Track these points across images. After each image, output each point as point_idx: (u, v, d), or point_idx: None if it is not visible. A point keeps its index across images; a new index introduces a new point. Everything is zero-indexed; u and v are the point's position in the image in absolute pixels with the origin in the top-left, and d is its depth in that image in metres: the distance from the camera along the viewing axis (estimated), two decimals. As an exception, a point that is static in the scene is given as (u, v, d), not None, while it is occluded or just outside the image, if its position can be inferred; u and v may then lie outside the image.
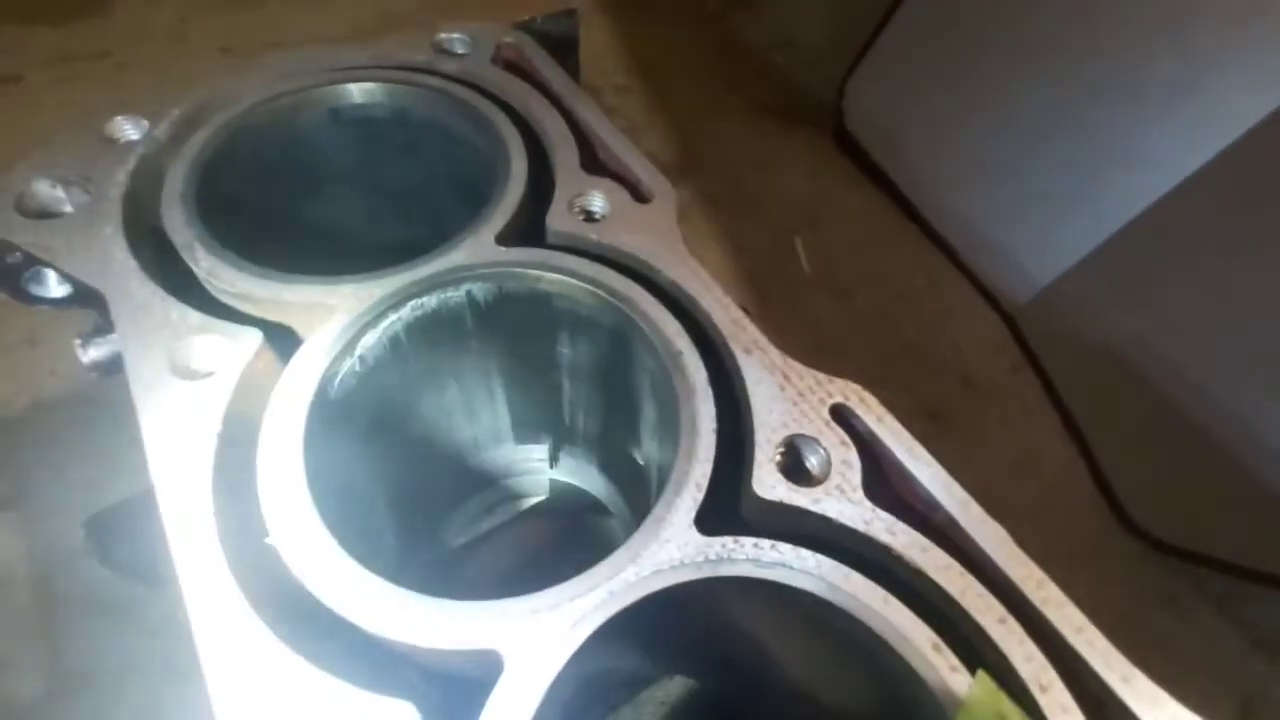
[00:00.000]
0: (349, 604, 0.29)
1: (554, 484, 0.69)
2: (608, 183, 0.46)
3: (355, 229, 0.57)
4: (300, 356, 0.36)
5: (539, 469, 0.67)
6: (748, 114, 1.47)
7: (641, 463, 0.52)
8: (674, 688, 0.39)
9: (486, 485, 0.65)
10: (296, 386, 0.35)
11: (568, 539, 0.73)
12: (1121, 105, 0.97)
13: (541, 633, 0.29)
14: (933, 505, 0.34)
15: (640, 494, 0.56)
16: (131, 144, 0.45)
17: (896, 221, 1.31)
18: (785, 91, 1.47)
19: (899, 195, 1.30)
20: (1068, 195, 1.07)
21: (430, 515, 0.58)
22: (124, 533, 0.47)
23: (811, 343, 1.13)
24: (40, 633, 0.79)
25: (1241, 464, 0.89)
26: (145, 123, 0.46)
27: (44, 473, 0.88)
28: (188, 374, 0.35)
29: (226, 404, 0.34)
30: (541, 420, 0.57)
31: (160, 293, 0.38)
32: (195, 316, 0.37)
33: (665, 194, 0.46)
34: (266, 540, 0.30)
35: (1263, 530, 0.89)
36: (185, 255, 0.40)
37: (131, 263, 0.39)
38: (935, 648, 0.30)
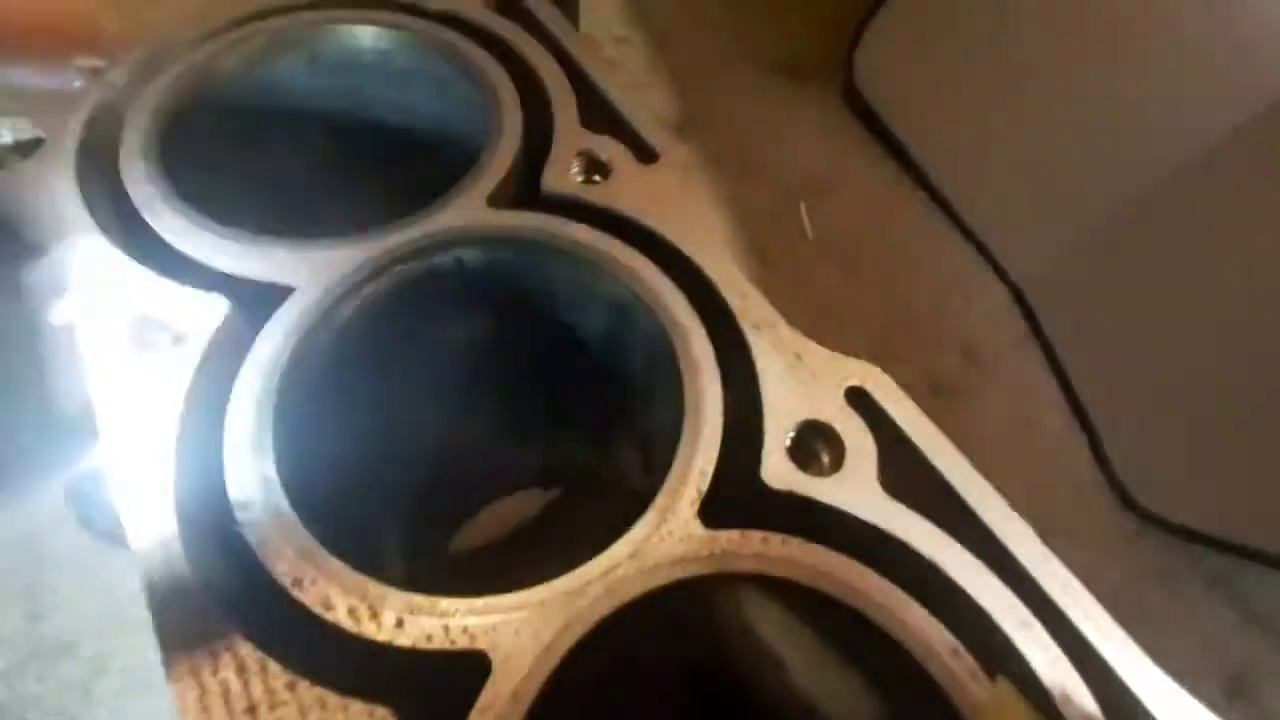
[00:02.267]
0: (319, 598, 0.27)
1: (549, 464, 0.67)
2: (610, 141, 0.43)
3: (335, 186, 0.54)
4: (272, 326, 0.33)
5: (535, 447, 0.64)
6: (754, 72, 1.41)
7: (643, 444, 0.49)
8: (679, 693, 0.38)
9: (479, 463, 0.63)
10: (268, 359, 0.32)
11: (565, 522, 0.71)
12: (1143, 72, 0.93)
13: (532, 632, 0.27)
14: (953, 498, 0.32)
15: (641, 476, 0.54)
16: (86, 90, 0.41)
17: (904, 188, 1.27)
18: (794, 49, 1.41)
19: (908, 160, 1.26)
20: (1083, 165, 1.03)
21: (419, 495, 0.56)
22: (102, 497, 0.45)
23: (815, 311, 1.10)
24: (21, 599, 0.77)
25: (1239, 442, 0.88)
26: (101, 66, 0.42)
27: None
28: (147, 345, 0.32)
29: (190, 378, 0.31)
30: (536, 397, 0.55)
31: (119, 254, 0.35)
32: (157, 282, 0.34)
33: (673, 154, 0.43)
34: (234, 527, 0.28)
35: (1260, 508, 0.88)
36: (145, 213, 0.36)
37: (87, 219, 0.36)
38: (954, 653, 0.28)
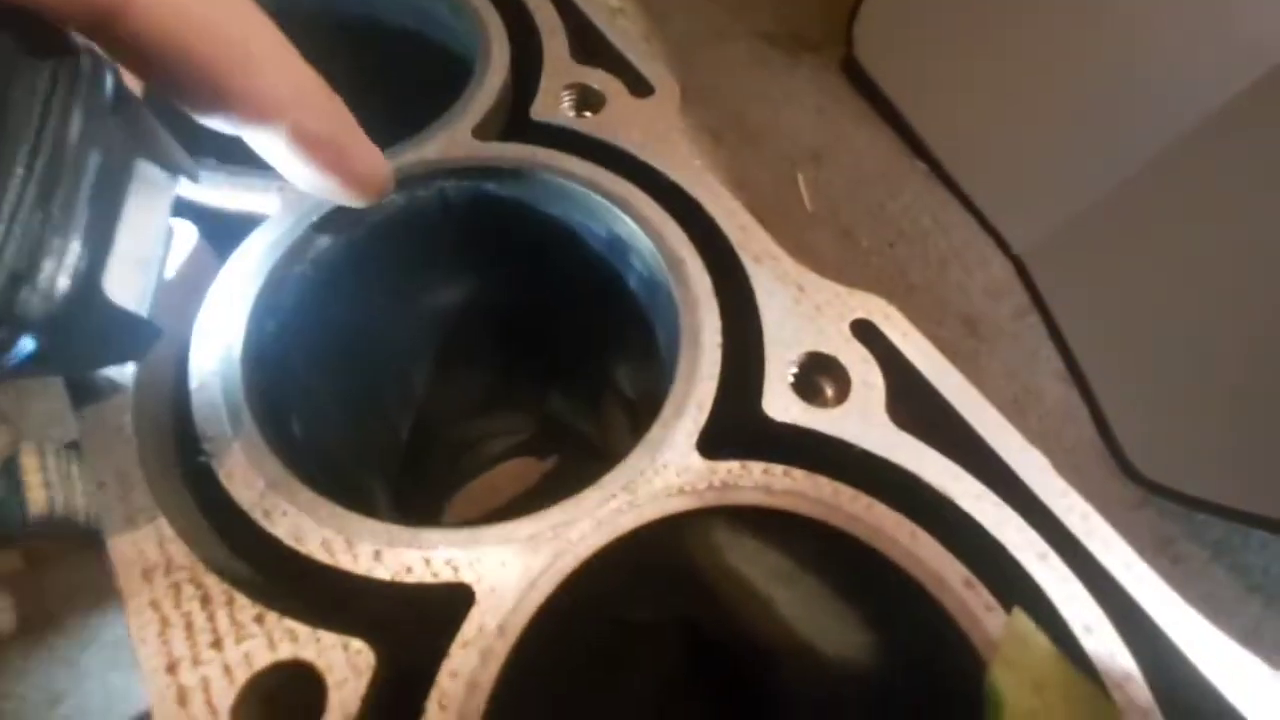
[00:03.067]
0: (291, 530, 0.25)
1: (542, 428, 0.65)
2: (601, 74, 0.41)
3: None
4: (242, 253, 0.31)
5: (527, 401, 0.63)
6: (751, 42, 1.38)
7: (633, 406, 0.48)
8: (671, 633, 0.37)
9: (467, 424, 0.61)
10: (239, 285, 0.30)
11: (558, 478, 0.69)
12: (1143, 39, 0.91)
13: (519, 565, 0.25)
14: (965, 429, 0.30)
15: (628, 439, 0.52)
16: None
17: (904, 159, 1.25)
18: (792, 20, 1.39)
19: (907, 131, 1.24)
20: (1084, 134, 1.02)
21: (404, 457, 0.54)
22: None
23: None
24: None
25: (1240, 409, 0.87)
26: None
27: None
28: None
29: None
30: (528, 345, 0.53)
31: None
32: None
33: (667, 87, 0.41)
34: (199, 459, 0.26)
35: (1261, 475, 0.87)
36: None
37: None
38: (968, 584, 0.26)
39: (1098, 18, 0.95)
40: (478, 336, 0.51)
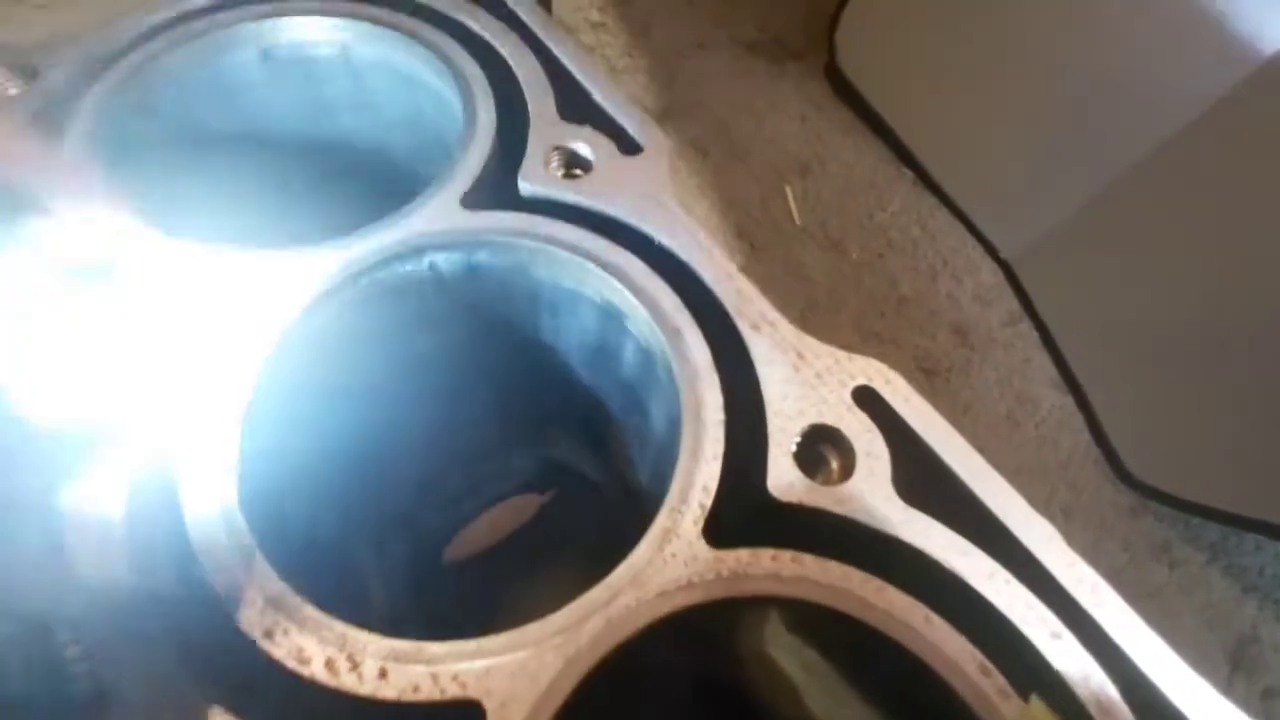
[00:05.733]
0: (292, 646, 0.24)
1: (540, 462, 0.64)
2: (590, 132, 0.40)
3: (296, 193, 0.51)
4: (233, 349, 0.30)
5: (524, 451, 0.62)
6: (735, 54, 1.38)
7: (642, 445, 0.47)
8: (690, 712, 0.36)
9: (465, 468, 0.60)
10: (224, 395, 0.29)
11: (559, 527, 0.69)
12: (1126, 43, 0.92)
13: (529, 676, 0.24)
14: (970, 501, 0.30)
15: (632, 473, 0.52)
16: (16, 99, 0.37)
17: (891, 168, 1.25)
18: (775, 26, 1.38)
19: (894, 139, 1.24)
20: (1070, 138, 1.02)
21: (407, 511, 0.53)
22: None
23: (804, 297, 1.08)
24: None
25: (1236, 413, 0.87)
26: (35, 70, 0.39)
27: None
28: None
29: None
30: (524, 399, 0.52)
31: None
32: (103, 303, 0.31)
33: (657, 145, 0.40)
34: (195, 573, 0.25)
35: (1257, 478, 0.88)
36: (89, 229, 0.33)
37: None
38: (983, 670, 0.26)
39: (1081, 21, 0.95)
40: (473, 391, 0.50)
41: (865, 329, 1.10)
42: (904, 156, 1.24)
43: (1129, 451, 0.97)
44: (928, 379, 1.06)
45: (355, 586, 0.43)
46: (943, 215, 1.20)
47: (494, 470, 0.64)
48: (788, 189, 1.21)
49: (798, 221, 1.18)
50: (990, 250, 1.15)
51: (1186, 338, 0.93)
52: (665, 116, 1.28)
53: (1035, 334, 1.10)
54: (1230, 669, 0.90)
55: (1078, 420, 1.03)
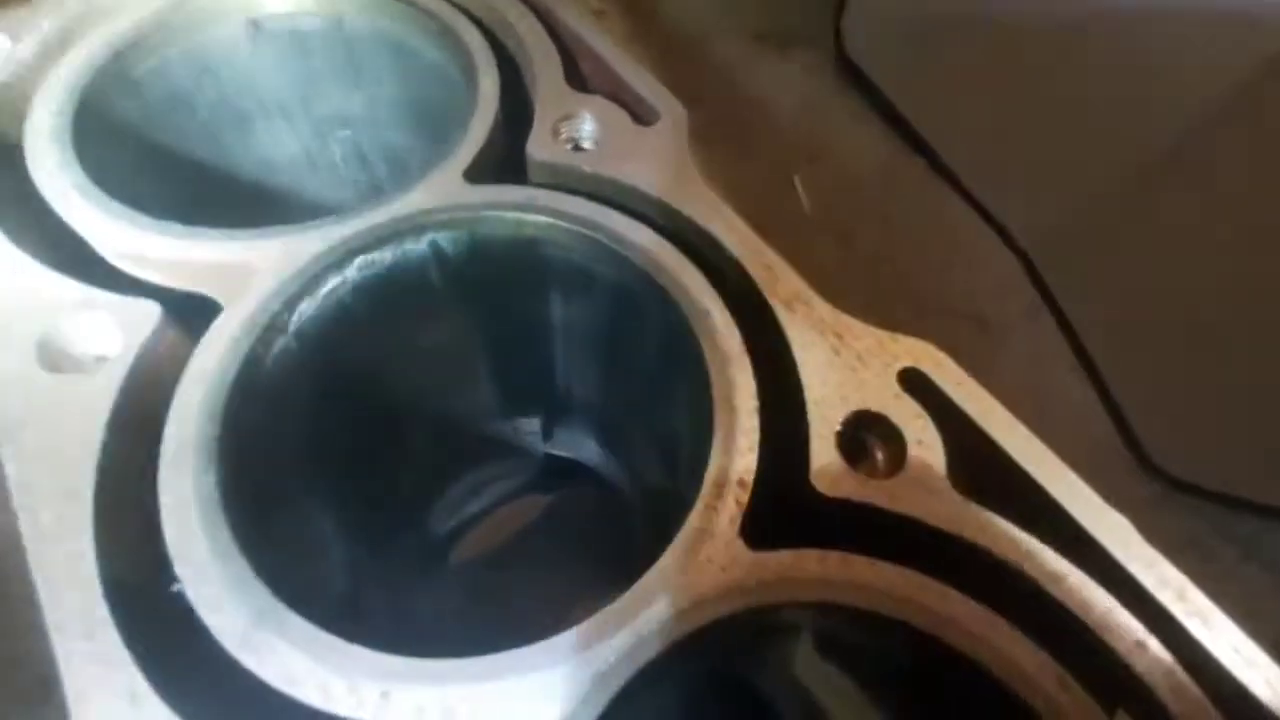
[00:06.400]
0: (280, 667, 0.21)
1: (548, 459, 0.62)
2: (600, 101, 0.37)
3: (291, 174, 0.48)
4: (213, 335, 0.27)
5: (531, 443, 0.59)
6: (741, 40, 1.35)
7: (663, 443, 0.44)
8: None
9: (470, 465, 0.57)
10: (209, 375, 0.27)
11: (565, 526, 0.66)
12: (1143, 29, 0.89)
13: (555, 694, 0.21)
14: (1035, 492, 0.27)
15: (651, 468, 0.49)
16: None
17: (902, 155, 1.22)
18: (781, 13, 1.35)
19: (905, 127, 1.21)
20: (1085, 123, 0.99)
21: (403, 506, 0.51)
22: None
23: (816, 289, 1.06)
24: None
25: (1264, 401, 0.84)
26: (5, 41, 0.36)
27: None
28: (62, 364, 0.26)
29: (112, 403, 0.25)
30: (531, 390, 0.49)
31: (24, 258, 0.29)
32: (75, 289, 0.28)
33: (674, 113, 0.37)
34: (173, 588, 0.22)
35: (1287, 468, 0.85)
36: (58, 207, 0.30)
37: (-15, 218, 0.30)
38: (1061, 684, 0.23)
39: (1095, 9, 0.93)
40: (480, 385, 0.47)
41: (878, 320, 1.07)
42: (915, 144, 1.21)
43: (1154, 443, 0.94)
44: (944, 371, 1.04)
45: (353, 589, 0.40)
46: (956, 204, 1.17)
47: (501, 470, 0.61)
48: (796, 179, 1.18)
49: (807, 212, 1.15)
50: (1007, 239, 1.12)
51: (1211, 324, 0.90)
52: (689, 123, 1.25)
53: (1054, 324, 1.07)
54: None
55: (1101, 412, 0.99)
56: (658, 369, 0.36)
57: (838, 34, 1.27)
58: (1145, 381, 0.98)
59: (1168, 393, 0.96)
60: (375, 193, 0.47)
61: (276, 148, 0.48)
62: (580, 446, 0.58)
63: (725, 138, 1.23)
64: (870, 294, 1.10)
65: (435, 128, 0.43)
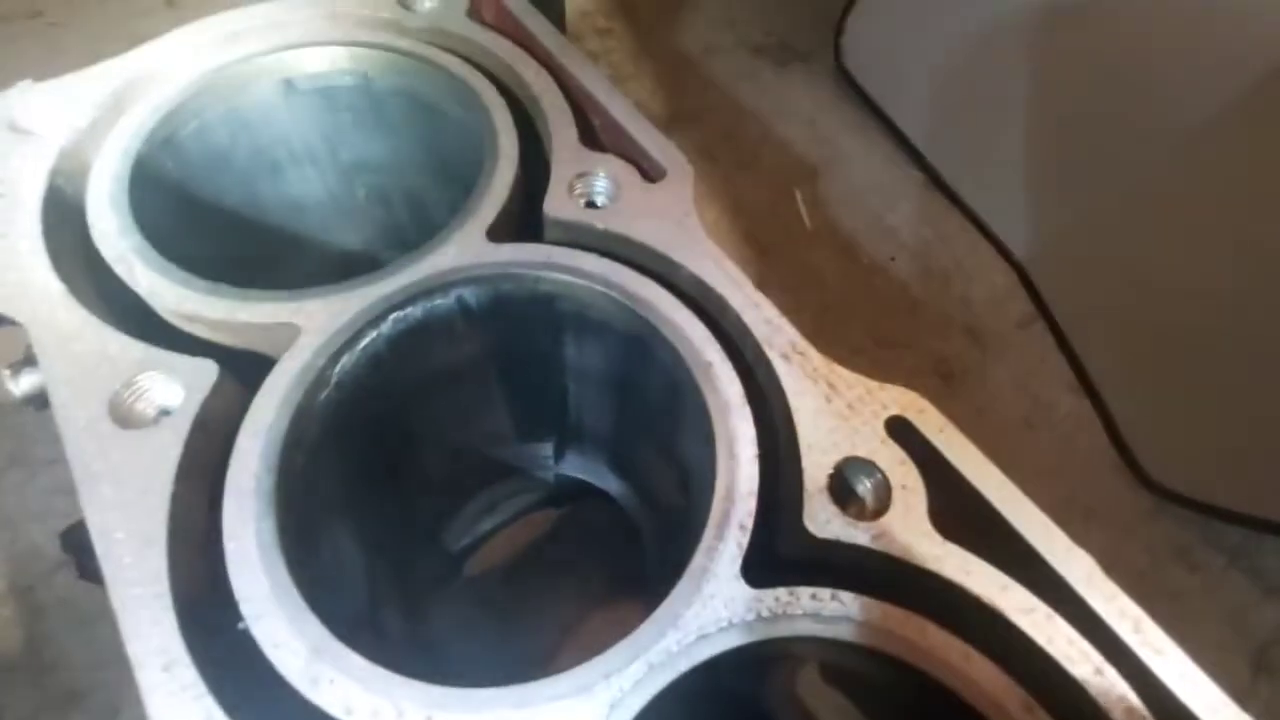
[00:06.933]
0: (339, 696, 0.24)
1: (560, 479, 0.64)
2: (613, 160, 0.40)
3: (324, 225, 0.51)
4: (266, 390, 0.31)
5: (543, 465, 0.62)
6: (742, 57, 1.37)
7: (663, 461, 0.47)
8: None
9: (485, 485, 0.61)
10: (264, 427, 0.30)
11: (575, 534, 0.69)
12: (1140, 40, 0.90)
13: (576, 721, 0.24)
14: (1008, 533, 0.30)
15: (657, 490, 0.52)
16: (45, 136, 0.37)
17: (900, 169, 1.24)
18: (781, 28, 1.38)
19: (903, 141, 1.23)
20: (1083, 137, 1.01)
21: (420, 527, 0.54)
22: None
23: (817, 301, 1.08)
24: (24, 650, 0.75)
25: (1255, 414, 0.87)
26: (63, 105, 0.39)
27: (17, 475, 0.83)
28: (131, 420, 0.29)
29: (179, 454, 0.28)
30: (545, 421, 0.52)
31: (93, 320, 0.32)
32: (137, 348, 0.31)
33: (680, 170, 0.40)
34: (240, 626, 0.25)
35: (1277, 480, 0.87)
36: (120, 271, 0.33)
37: (55, 284, 0.33)
38: (1027, 709, 0.26)
39: (1095, 15, 0.94)
40: (496, 414, 0.50)
41: (879, 333, 1.09)
42: (914, 157, 1.23)
43: (1147, 454, 0.97)
44: (943, 383, 1.06)
45: (371, 607, 0.43)
46: (954, 217, 1.19)
47: (514, 488, 0.64)
48: (797, 193, 1.21)
49: (808, 225, 1.18)
50: (1003, 251, 1.14)
51: (1204, 338, 0.92)
52: (673, 122, 1.28)
53: (1050, 336, 1.09)
54: (1253, 673, 0.89)
55: (1094, 423, 1.02)
56: (666, 409, 0.39)
57: (837, 48, 1.30)
58: (1138, 394, 1.00)
59: (1160, 405, 0.98)
60: (396, 230, 0.50)
61: (306, 192, 0.51)
62: (591, 469, 0.61)
63: (727, 152, 1.26)
64: (871, 305, 1.12)
65: (452, 174, 0.46)
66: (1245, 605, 0.92)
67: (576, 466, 0.62)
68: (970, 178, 1.17)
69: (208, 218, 0.45)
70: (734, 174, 1.22)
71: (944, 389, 1.06)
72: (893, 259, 1.16)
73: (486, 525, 0.66)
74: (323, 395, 0.32)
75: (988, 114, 1.13)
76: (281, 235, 0.51)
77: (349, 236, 0.55)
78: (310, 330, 0.32)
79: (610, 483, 0.62)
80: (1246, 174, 0.85)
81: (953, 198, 1.19)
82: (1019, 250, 1.13)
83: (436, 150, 0.48)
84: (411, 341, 0.36)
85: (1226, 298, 0.89)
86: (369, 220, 0.55)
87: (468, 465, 0.56)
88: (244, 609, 0.26)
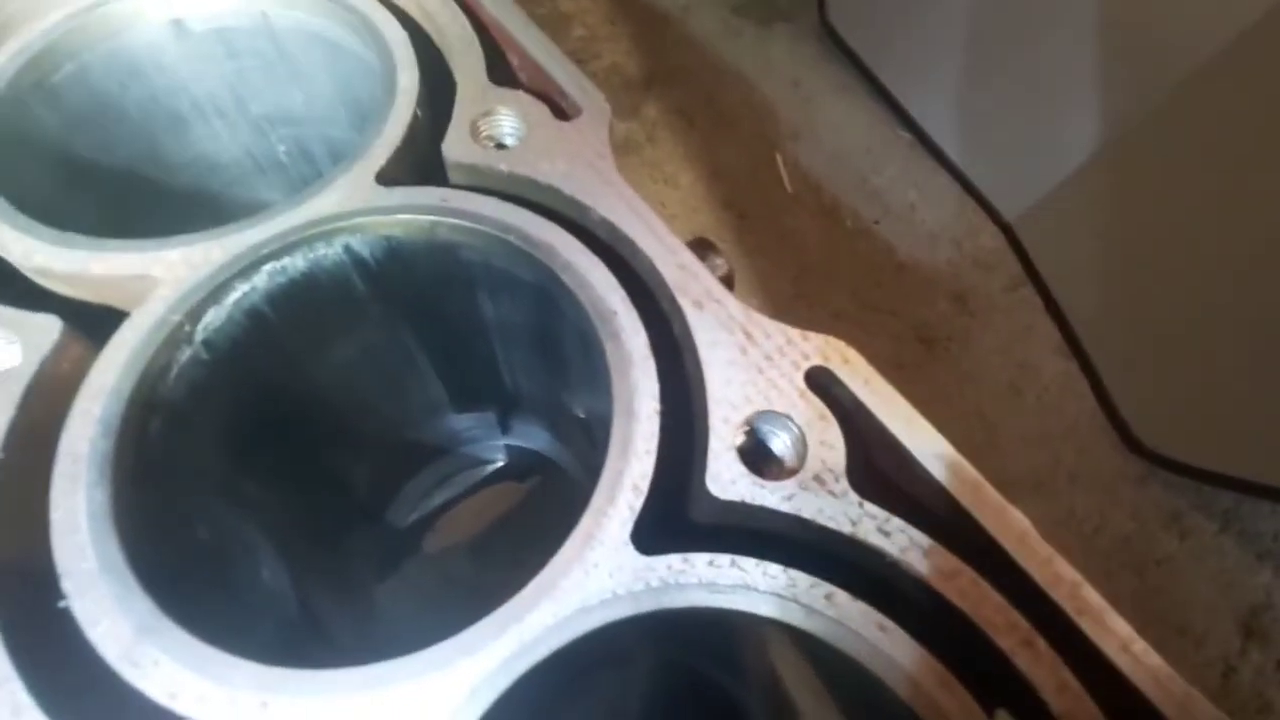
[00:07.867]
0: (161, 680, 0.22)
1: (511, 450, 0.62)
2: (522, 97, 0.37)
3: (243, 184, 0.47)
4: (110, 348, 0.28)
5: (492, 436, 0.60)
6: (722, 16, 1.32)
7: (592, 422, 0.44)
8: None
9: (432, 459, 0.58)
10: (105, 389, 0.27)
11: (541, 506, 0.67)
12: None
13: (429, 706, 0.22)
14: (936, 491, 0.27)
15: (591, 454, 0.49)
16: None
17: (887, 130, 1.20)
18: (762, -13, 1.32)
19: (889, 99, 1.19)
20: (1070, 94, 0.97)
21: (357, 506, 0.51)
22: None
23: (797, 266, 1.04)
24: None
25: (1246, 376, 0.83)
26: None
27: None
28: (-41, 381, 0.26)
29: (9, 418, 0.26)
30: (480, 385, 0.49)
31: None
32: (-20, 303, 0.28)
33: (597, 108, 0.37)
34: (60, 604, 0.23)
35: (1270, 443, 0.84)
36: (-40, 221, 0.30)
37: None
38: (944, 685, 0.23)
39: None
40: (424, 383, 0.47)
41: (861, 298, 1.06)
42: (900, 118, 1.18)
43: (1136, 418, 0.94)
44: (927, 349, 1.03)
45: (301, 592, 0.41)
46: (941, 178, 1.15)
47: (463, 462, 0.61)
48: (778, 155, 1.16)
49: (789, 189, 1.13)
50: (991, 213, 1.10)
51: (1195, 300, 0.89)
52: (650, 83, 1.23)
53: (1038, 299, 1.05)
54: (1243, 638, 0.87)
55: (1082, 387, 0.99)
56: (583, 364, 0.36)
57: (822, 5, 1.25)
58: (1128, 356, 0.97)
59: (1149, 368, 0.95)
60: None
61: (218, 148, 0.47)
62: (536, 437, 0.58)
63: (706, 114, 1.21)
64: (853, 269, 1.09)
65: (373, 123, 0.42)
66: (1236, 570, 0.89)
67: (524, 436, 0.60)
68: (958, 137, 1.13)
69: (100, 175, 0.41)
70: (713, 136, 1.18)
71: (929, 354, 1.03)
72: (877, 222, 1.12)
73: (438, 500, 0.64)
74: (184, 355, 0.29)
75: (976, 72, 1.08)
76: (193, 197, 0.47)
77: (273, 196, 0.51)
78: (167, 282, 0.29)
79: (555, 451, 0.60)
80: (1237, 126, 0.81)
81: (940, 159, 1.15)
82: (1007, 211, 1.09)
83: (352, 96, 0.45)
84: (300, 298, 0.33)
85: (1218, 257, 0.86)
86: (293, 178, 0.51)
87: (405, 437, 0.54)
88: (64, 585, 0.23)
